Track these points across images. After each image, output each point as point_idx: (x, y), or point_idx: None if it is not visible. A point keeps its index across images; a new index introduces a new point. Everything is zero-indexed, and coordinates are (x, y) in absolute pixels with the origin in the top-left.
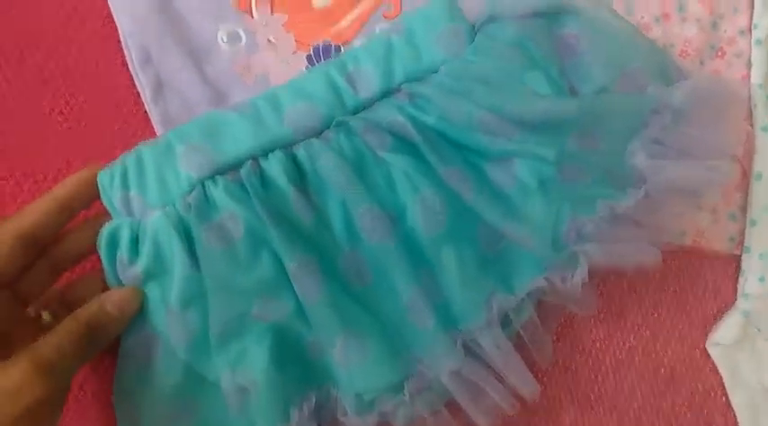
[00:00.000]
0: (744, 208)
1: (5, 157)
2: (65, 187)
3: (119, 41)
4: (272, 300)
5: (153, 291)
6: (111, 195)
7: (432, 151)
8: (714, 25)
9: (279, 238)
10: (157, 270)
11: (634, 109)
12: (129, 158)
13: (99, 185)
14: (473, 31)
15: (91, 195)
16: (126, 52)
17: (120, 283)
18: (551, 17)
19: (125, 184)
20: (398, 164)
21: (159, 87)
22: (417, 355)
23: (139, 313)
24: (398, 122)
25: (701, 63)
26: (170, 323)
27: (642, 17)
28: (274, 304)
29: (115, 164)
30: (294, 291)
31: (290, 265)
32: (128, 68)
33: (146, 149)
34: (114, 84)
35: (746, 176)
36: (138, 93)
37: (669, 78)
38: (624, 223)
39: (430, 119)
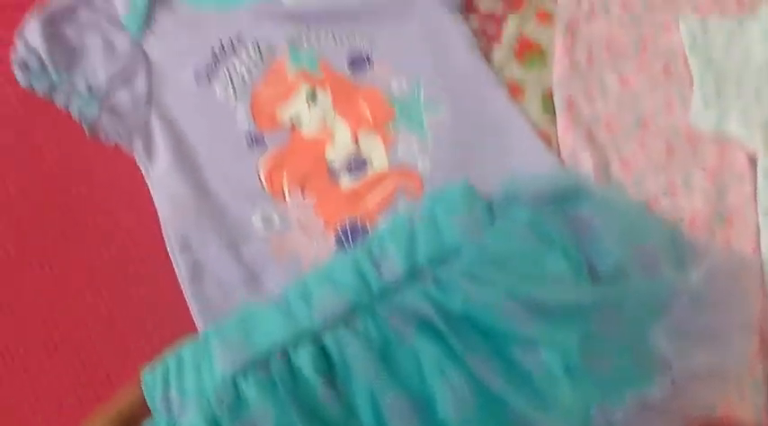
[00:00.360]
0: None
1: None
2: (119, 403)
3: (159, 228)
4: None
5: None
6: (154, 395)
7: (457, 338)
8: (720, 195)
9: None
10: None
11: (654, 293)
12: (170, 359)
13: (143, 384)
14: (491, 212)
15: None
16: (166, 239)
17: None
18: (565, 198)
19: (166, 384)
20: (425, 351)
21: (197, 271)
22: None
23: None
24: (424, 308)
25: (712, 234)
26: None
27: (650, 190)
28: None
29: (158, 365)
30: None
31: None
32: (167, 255)
33: (186, 348)
34: (154, 271)
35: (765, 345)
36: (176, 277)
37: (682, 253)
38: (652, 409)
39: (455, 305)
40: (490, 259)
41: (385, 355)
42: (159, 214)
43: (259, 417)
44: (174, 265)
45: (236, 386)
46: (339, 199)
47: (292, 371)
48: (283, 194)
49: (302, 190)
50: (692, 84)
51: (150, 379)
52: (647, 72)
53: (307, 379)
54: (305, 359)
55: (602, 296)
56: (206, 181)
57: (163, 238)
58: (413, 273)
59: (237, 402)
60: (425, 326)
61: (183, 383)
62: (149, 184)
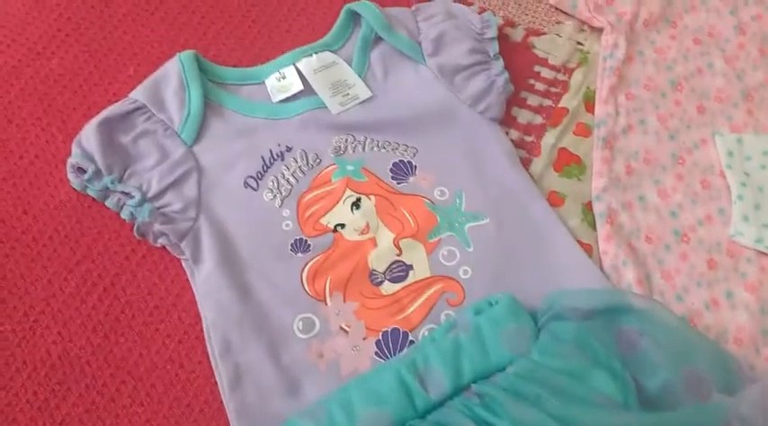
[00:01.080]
0: None
1: None
2: None
3: (201, 332)
4: None
5: None
6: None
7: None
8: (764, 310)
9: None
10: None
11: (704, 418)
12: None
13: None
14: (536, 329)
15: None
16: (207, 343)
17: None
18: (610, 313)
19: None
20: None
21: (237, 376)
22: None
23: None
24: (464, 423)
25: (756, 351)
26: None
27: (693, 304)
28: None
29: None
30: None
31: None
32: (207, 359)
33: None
34: (194, 376)
35: None
36: (215, 384)
37: (732, 377)
38: None
39: (502, 424)
40: (536, 378)
41: None
42: (202, 316)
43: None
44: (213, 370)
45: None
46: (381, 305)
47: None
48: (325, 298)
49: (344, 295)
50: (730, 198)
51: None
52: (685, 185)
53: None
54: None
55: (652, 421)
56: (249, 284)
57: (203, 342)
58: (458, 389)
59: None
60: None
61: None
62: (194, 286)
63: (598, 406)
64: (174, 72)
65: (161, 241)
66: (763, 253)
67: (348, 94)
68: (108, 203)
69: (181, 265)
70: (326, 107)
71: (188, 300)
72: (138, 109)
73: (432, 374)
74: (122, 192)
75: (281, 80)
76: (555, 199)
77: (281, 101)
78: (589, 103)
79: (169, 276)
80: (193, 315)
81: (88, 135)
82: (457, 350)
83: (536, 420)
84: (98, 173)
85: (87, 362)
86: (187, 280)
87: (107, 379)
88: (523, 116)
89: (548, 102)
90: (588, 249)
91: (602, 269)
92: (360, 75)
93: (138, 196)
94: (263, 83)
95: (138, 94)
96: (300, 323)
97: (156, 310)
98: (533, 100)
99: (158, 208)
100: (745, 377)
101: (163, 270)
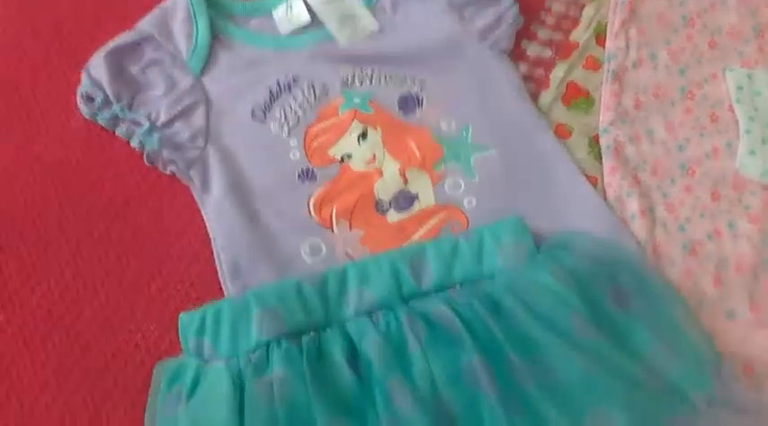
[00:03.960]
0: None
1: None
2: None
3: (211, 255)
4: None
5: None
6: (188, 335)
7: (472, 339)
8: (765, 241)
9: (319, 408)
10: (207, 414)
11: None
12: (210, 309)
13: (180, 324)
14: (536, 250)
15: None
16: (218, 264)
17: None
18: (611, 266)
19: (201, 331)
20: (435, 354)
21: None
22: None
23: None
24: (441, 311)
25: (755, 278)
26: None
27: (695, 234)
28: None
29: (197, 311)
30: None
31: None
32: (218, 280)
33: (226, 304)
34: (205, 295)
35: None
36: None
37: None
38: None
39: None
40: (519, 289)
41: (400, 353)
42: (212, 241)
43: (277, 381)
44: (224, 291)
45: (267, 350)
46: (386, 232)
47: (321, 350)
48: (331, 225)
49: (350, 222)
50: (737, 131)
51: (187, 320)
52: (693, 119)
53: (333, 360)
54: (333, 342)
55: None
56: (258, 211)
57: (214, 265)
58: (443, 288)
59: (263, 363)
60: (436, 333)
61: (218, 336)
62: (204, 213)
63: (568, 337)
64: (182, 3)
65: (170, 168)
66: None
67: (356, 26)
68: (118, 131)
69: (190, 193)
70: (335, 39)
71: (197, 226)
72: (145, 38)
73: (424, 267)
74: (132, 121)
75: (290, 12)
76: (562, 132)
77: (290, 33)
78: (600, 37)
79: (179, 202)
80: (203, 239)
81: (97, 64)
82: (453, 252)
83: (498, 339)
84: (107, 101)
85: (101, 282)
86: (197, 207)
87: (120, 299)
88: (533, 49)
89: (558, 36)
90: (594, 181)
91: (606, 200)
92: (369, 7)
93: (146, 124)
94: (271, 15)
95: (146, 25)
96: (307, 247)
97: (167, 234)
98: (544, 33)
99: (167, 137)
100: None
101: (172, 196)
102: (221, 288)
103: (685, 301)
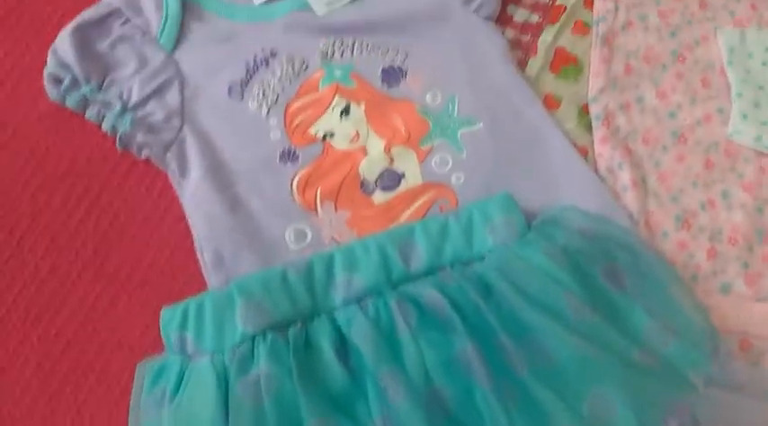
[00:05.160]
0: None
1: None
2: None
3: (192, 244)
4: None
5: None
6: (169, 331)
7: (464, 324)
8: (760, 211)
9: (307, 406)
10: (192, 414)
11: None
12: (192, 302)
13: (161, 320)
14: (527, 227)
15: None
16: (199, 255)
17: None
18: (606, 242)
19: (183, 325)
20: (426, 340)
21: None
22: None
23: None
24: (432, 296)
25: (750, 249)
26: None
27: (689, 204)
28: None
29: (179, 305)
30: None
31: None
32: (200, 270)
33: (208, 297)
34: (187, 287)
35: None
36: None
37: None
38: None
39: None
40: (510, 269)
41: (390, 339)
42: (192, 229)
43: (264, 377)
44: (207, 282)
45: (252, 345)
46: (372, 213)
47: (308, 340)
48: (316, 208)
49: (335, 204)
50: (729, 96)
51: (169, 316)
52: (684, 84)
53: (321, 350)
54: (320, 332)
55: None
56: (239, 195)
57: (195, 254)
58: (435, 268)
59: (249, 360)
60: (426, 317)
61: (201, 330)
62: (182, 200)
63: (562, 318)
64: None
65: (145, 152)
66: (762, 153)
67: None
68: (88, 114)
69: (167, 177)
70: (311, 8)
71: (177, 213)
72: (112, 12)
73: (413, 250)
74: (102, 102)
75: None
76: (551, 102)
77: (264, 2)
78: None
79: (156, 188)
80: (183, 227)
81: (63, 42)
82: (443, 232)
83: (489, 322)
84: (75, 82)
85: (79, 276)
86: (175, 193)
87: (100, 293)
88: (520, 14)
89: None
90: (584, 152)
91: (596, 171)
92: None
93: (118, 105)
94: None
95: None
96: (292, 233)
97: (146, 223)
98: None
99: (140, 118)
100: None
101: (150, 182)
102: (204, 279)
103: (680, 277)
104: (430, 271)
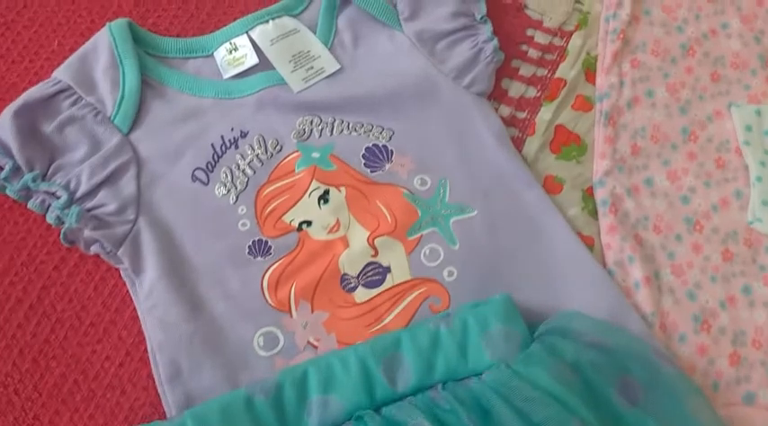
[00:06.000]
0: None
1: None
2: None
3: (145, 353)
4: None
5: None
6: None
7: None
8: None
9: None
10: None
11: None
12: None
13: None
14: (530, 337)
15: None
16: (153, 366)
17: None
18: (620, 355)
19: None
20: None
21: (188, 405)
22: None
23: None
24: (420, 424)
25: None
26: None
27: (707, 302)
28: None
29: None
30: None
31: None
32: (154, 384)
33: None
34: (139, 404)
35: None
36: (164, 413)
37: None
38: None
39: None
40: (510, 391)
41: None
42: (146, 336)
43: None
44: (161, 397)
45: None
46: (354, 314)
47: None
48: (290, 308)
49: (311, 304)
50: (747, 178)
51: None
52: (697, 165)
53: None
54: None
55: None
56: (201, 296)
57: (149, 364)
58: (422, 388)
59: None
60: None
61: None
62: (135, 301)
63: None
64: (105, 45)
65: (94, 249)
66: None
67: (312, 68)
68: (30, 205)
69: (120, 275)
70: (286, 83)
71: (129, 316)
72: (62, 91)
73: (400, 364)
74: (46, 192)
75: (233, 52)
76: (552, 185)
77: (234, 77)
78: (589, 72)
79: (107, 288)
80: (136, 332)
81: (3, 124)
82: (434, 344)
83: None
84: (17, 170)
85: (15, 391)
86: (128, 292)
87: (38, 410)
88: (515, 89)
89: (543, 72)
90: (590, 242)
91: (605, 265)
92: (326, 45)
93: (64, 196)
94: (212, 55)
95: (62, 74)
96: (261, 339)
97: (93, 328)
98: (526, 69)
99: (89, 210)
100: None
101: (99, 281)
102: (158, 394)
103: (699, 388)
104: (419, 389)
